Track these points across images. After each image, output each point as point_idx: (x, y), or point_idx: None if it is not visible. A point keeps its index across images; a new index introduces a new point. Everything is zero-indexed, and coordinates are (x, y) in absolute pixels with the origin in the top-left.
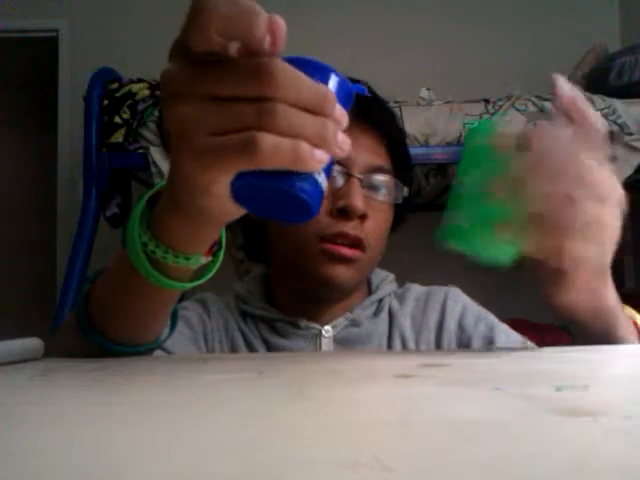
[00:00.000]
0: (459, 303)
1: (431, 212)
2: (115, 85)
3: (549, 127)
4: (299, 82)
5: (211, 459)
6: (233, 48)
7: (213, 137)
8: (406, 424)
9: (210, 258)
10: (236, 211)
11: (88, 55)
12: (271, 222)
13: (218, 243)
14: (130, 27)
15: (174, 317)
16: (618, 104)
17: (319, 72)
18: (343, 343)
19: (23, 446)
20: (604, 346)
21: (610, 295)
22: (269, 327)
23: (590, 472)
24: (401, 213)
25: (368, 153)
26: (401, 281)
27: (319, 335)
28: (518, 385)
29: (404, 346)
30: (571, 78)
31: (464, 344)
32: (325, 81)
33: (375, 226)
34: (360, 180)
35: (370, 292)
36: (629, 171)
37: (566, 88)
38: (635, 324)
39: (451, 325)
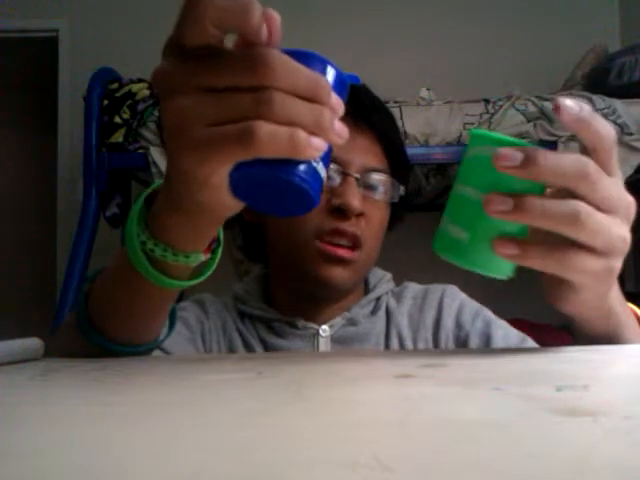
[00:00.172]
0: (456, 300)
1: (431, 212)
2: (115, 85)
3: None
4: (294, 70)
5: (211, 459)
6: (229, 41)
7: (210, 128)
8: (406, 424)
9: (209, 256)
10: (235, 205)
11: (88, 55)
12: (268, 222)
13: (216, 240)
14: (130, 27)
15: (172, 317)
16: (618, 104)
17: (313, 62)
18: (341, 342)
19: (23, 446)
20: (604, 346)
21: (614, 296)
22: (267, 327)
23: (590, 472)
24: (398, 212)
25: (365, 153)
26: (401, 281)
27: (316, 335)
28: (518, 385)
29: (401, 344)
30: (571, 78)
31: (461, 341)
32: (320, 71)
33: (371, 225)
34: (357, 179)
35: (367, 291)
36: (629, 171)
37: (569, 108)
38: (637, 316)
39: (448, 322)
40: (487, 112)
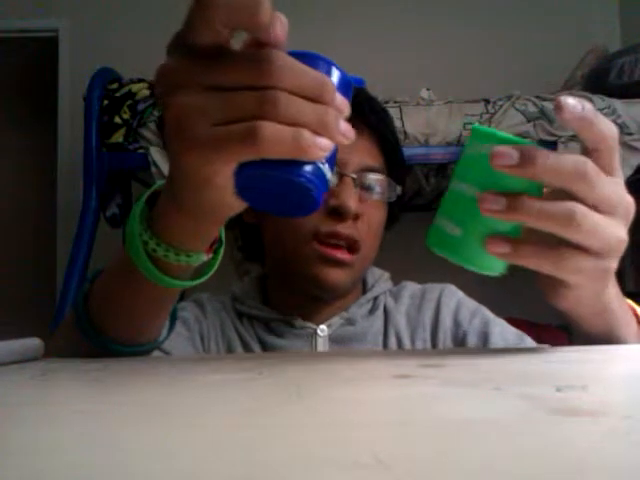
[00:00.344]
0: (454, 299)
1: (431, 212)
2: (115, 85)
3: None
4: (300, 71)
5: (211, 459)
6: (237, 39)
7: (214, 127)
8: (406, 424)
9: (211, 255)
10: (238, 205)
11: (88, 55)
12: (266, 223)
13: (218, 240)
14: (130, 27)
15: (173, 318)
16: (618, 104)
17: (318, 64)
18: (338, 342)
19: (23, 446)
20: (604, 346)
21: (611, 294)
22: (265, 327)
23: (590, 472)
24: (394, 212)
25: (361, 153)
26: (401, 281)
27: (314, 334)
28: (518, 385)
29: (399, 344)
30: (571, 78)
31: (459, 339)
32: (325, 72)
33: (369, 225)
34: (353, 179)
35: (365, 290)
36: (629, 171)
37: (571, 106)
38: (636, 315)
39: (446, 321)
40: (487, 112)
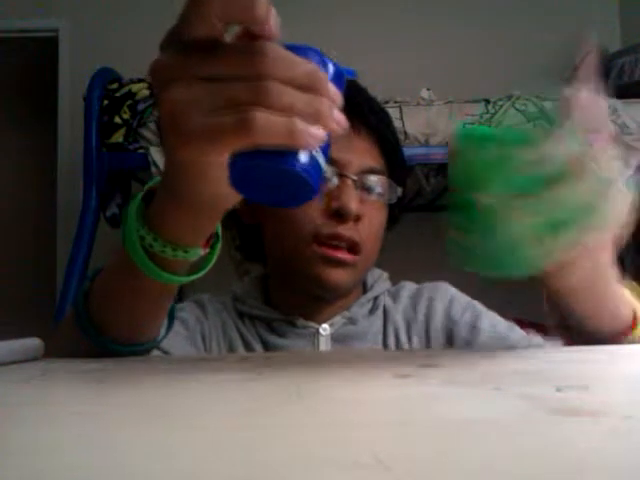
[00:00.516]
0: (447, 295)
1: (431, 212)
2: (115, 85)
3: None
4: (292, 61)
5: (211, 459)
6: (229, 32)
7: (207, 118)
8: (406, 424)
9: (208, 251)
10: (234, 198)
11: (88, 55)
12: (267, 223)
13: (215, 235)
14: (130, 27)
15: (170, 317)
16: (618, 104)
17: (310, 55)
18: (340, 341)
19: (23, 446)
20: (604, 346)
21: (603, 261)
22: (266, 326)
23: (590, 472)
24: (395, 213)
25: (362, 154)
26: (400, 280)
27: (316, 334)
28: (518, 385)
29: (397, 342)
30: (570, 78)
31: (451, 334)
32: (316, 63)
33: (370, 227)
34: (354, 181)
35: (365, 290)
36: (629, 171)
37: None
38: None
39: (439, 317)
40: (487, 112)
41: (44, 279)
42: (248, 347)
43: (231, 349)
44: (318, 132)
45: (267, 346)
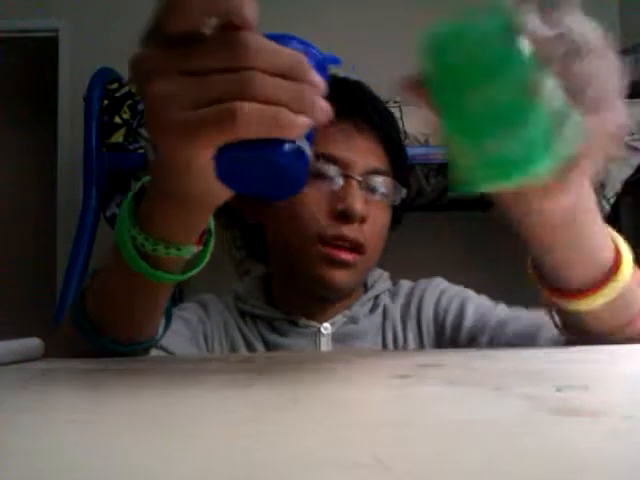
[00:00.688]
0: (438, 288)
1: (431, 212)
2: (115, 85)
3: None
4: (273, 51)
5: (211, 459)
6: (210, 25)
7: (190, 112)
8: (406, 424)
9: (201, 247)
10: (224, 193)
11: (88, 55)
12: (270, 223)
13: (208, 231)
14: (130, 27)
15: (168, 317)
16: None
17: (292, 44)
18: (341, 340)
19: (22, 447)
20: (604, 346)
21: (586, 200)
22: (268, 326)
23: (590, 472)
24: (397, 214)
25: (366, 154)
26: (401, 280)
27: (318, 333)
28: (518, 385)
29: (395, 339)
30: None
31: (440, 324)
32: (299, 51)
33: (374, 228)
34: (359, 182)
35: (366, 289)
36: (629, 171)
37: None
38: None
39: (429, 309)
40: None
41: (44, 279)
42: (250, 346)
43: (233, 349)
44: (303, 120)
45: (268, 345)
